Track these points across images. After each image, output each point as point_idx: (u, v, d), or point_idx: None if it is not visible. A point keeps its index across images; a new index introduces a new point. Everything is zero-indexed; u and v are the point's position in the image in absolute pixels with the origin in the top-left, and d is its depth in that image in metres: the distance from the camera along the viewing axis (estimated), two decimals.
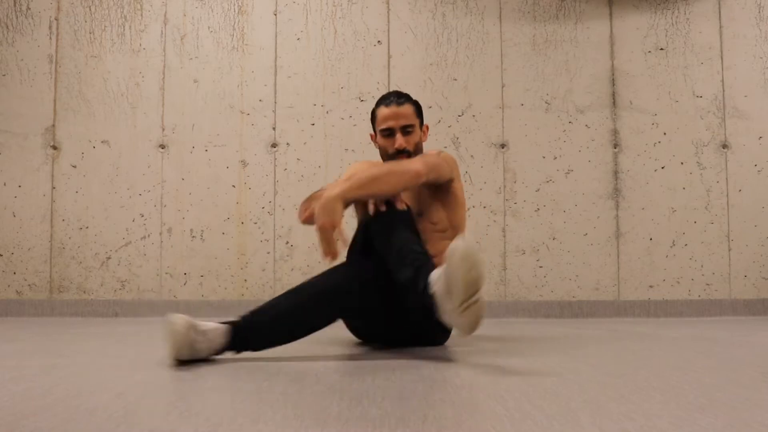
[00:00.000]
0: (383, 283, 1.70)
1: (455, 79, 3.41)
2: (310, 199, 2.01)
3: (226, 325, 1.61)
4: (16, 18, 3.38)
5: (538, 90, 3.43)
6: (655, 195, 3.40)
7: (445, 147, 3.35)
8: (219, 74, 3.39)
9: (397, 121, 1.98)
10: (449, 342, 2.01)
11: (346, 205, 1.68)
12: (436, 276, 1.49)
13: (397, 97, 2.02)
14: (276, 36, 3.42)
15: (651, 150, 3.42)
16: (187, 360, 1.54)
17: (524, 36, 3.45)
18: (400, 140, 1.97)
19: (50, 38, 3.38)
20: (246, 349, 1.63)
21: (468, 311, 1.40)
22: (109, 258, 3.31)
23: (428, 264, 1.60)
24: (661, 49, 3.47)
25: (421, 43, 3.42)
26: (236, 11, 3.42)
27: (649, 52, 3.47)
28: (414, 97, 2.12)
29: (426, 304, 1.50)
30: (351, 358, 1.68)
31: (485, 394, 1.18)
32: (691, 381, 1.33)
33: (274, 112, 3.38)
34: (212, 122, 3.37)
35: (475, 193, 3.34)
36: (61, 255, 3.30)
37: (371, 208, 1.73)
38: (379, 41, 3.42)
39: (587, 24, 3.46)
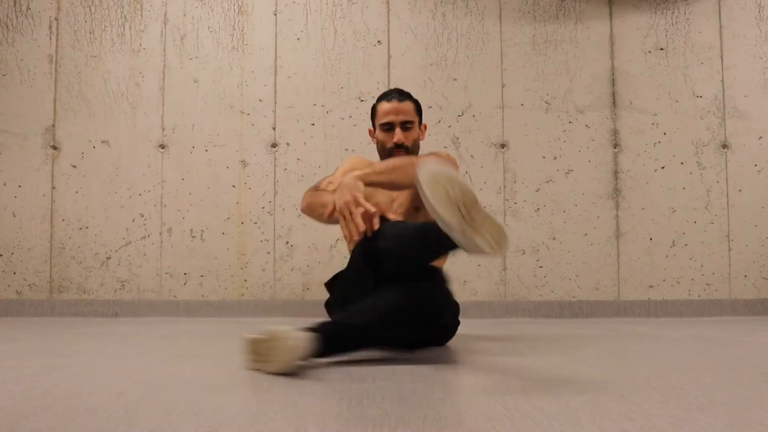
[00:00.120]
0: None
1: (455, 79, 3.41)
2: (315, 189, 1.99)
3: (310, 332, 1.48)
4: (16, 18, 3.38)
5: (538, 90, 3.43)
6: (655, 195, 3.40)
7: (445, 147, 3.35)
8: (219, 74, 3.39)
9: (398, 116, 2.03)
10: (449, 342, 2.01)
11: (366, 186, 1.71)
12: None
13: (398, 94, 2.07)
14: (276, 36, 3.42)
15: (651, 150, 3.42)
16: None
17: (524, 36, 3.45)
18: (399, 135, 2.02)
19: (50, 38, 3.38)
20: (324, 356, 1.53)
21: (478, 227, 1.37)
22: (109, 258, 3.31)
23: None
24: (661, 49, 3.47)
25: (421, 43, 3.42)
26: (236, 11, 3.42)
27: (649, 52, 3.47)
28: (414, 96, 2.15)
29: (447, 249, 1.50)
30: (351, 358, 1.68)
31: (485, 394, 1.18)
32: (691, 381, 1.33)
33: (274, 112, 3.38)
34: (212, 122, 3.37)
35: (475, 193, 3.33)
36: (61, 255, 3.30)
37: (361, 230, 1.65)
38: (379, 41, 3.42)
39: (587, 24, 3.46)
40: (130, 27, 3.40)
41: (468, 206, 1.36)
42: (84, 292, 3.29)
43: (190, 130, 3.36)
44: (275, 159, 3.36)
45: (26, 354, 1.79)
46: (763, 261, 3.40)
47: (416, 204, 1.98)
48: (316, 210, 1.89)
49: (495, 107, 3.40)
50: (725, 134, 3.43)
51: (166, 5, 3.41)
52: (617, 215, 3.38)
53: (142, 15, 3.40)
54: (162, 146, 3.36)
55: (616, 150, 3.42)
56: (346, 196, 1.65)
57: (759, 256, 3.40)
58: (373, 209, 1.66)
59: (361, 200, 1.65)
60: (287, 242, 3.31)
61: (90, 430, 0.91)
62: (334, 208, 1.71)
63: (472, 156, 3.37)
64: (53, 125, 3.35)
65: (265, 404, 1.08)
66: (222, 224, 3.33)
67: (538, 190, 3.38)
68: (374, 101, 2.18)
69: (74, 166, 3.34)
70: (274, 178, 3.35)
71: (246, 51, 3.40)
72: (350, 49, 3.41)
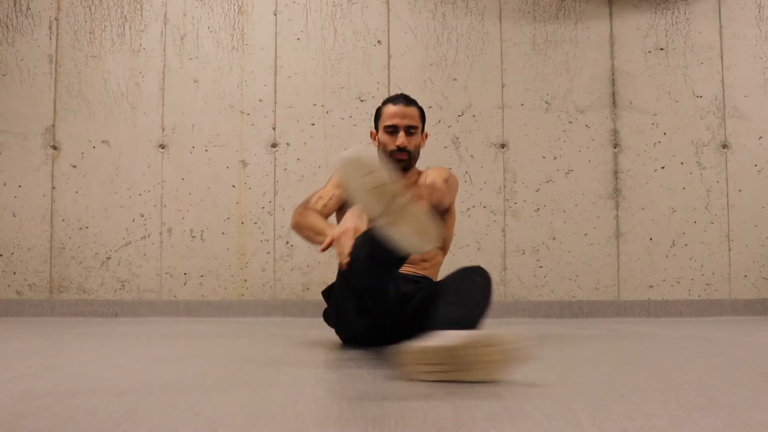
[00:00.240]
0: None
1: (455, 79, 3.41)
2: (304, 206, 1.99)
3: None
4: (16, 18, 3.38)
5: (538, 90, 3.42)
6: (655, 195, 3.40)
7: (445, 147, 3.35)
8: (219, 74, 3.39)
9: (403, 120, 2.06)
10: None
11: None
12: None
13: (405, 99, 2.10)
14: (276, 36, 3.42)
15: (651, 150, 3.42)
16: None
17: (524, 36, 3.45)
18: (402, 138, 2.05)
19: (50, 38, 3.38)
20: None
21: (400, 217, 1.31)
22: (109, 258, 3.31)
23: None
24: (661, 49, 3.47)
25: (421, 43, 3.42)
26: (236, 11, 3.42)
27: (649, 52, 3.46)
28: (414, 97, 2.18)
29: (397, 261, 1.49)
30: (351, 358, 1.68)
31: (485, 394, 1.18)
32: (691, 381, 1.33)
33: (274, 112, 3.38)
34: (212, 122, 3.37)
35: (475, 193, 3.34)
36: (61, 255, 3.30)
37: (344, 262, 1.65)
38: (379, 41, 3.42)
39: (587, 24, 3.46)
40: (130, 27, 3.40)
41: (390, 195, 1.30)
42: (84, 292, 3.29)
43: (190, 130, 3.36)
44: (275, 159, 3.36)
45: (26, 354, 1.79)
46: (763, 261, 3.40)
47: None
48: (303, 231, 1.90)
49: (495, 107, 3.40)
50: (725, 134, 3.43)
51: (166, 5, 3.41)
52: (617, 215, 3.38)
53: (142, 15, 3.40)
54: (162, 146, 3.36)
55: (616, 150, 3.42)
56: (347, 223, 1.64)
57: (759, 256, 3.40)
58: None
59: (361, 230, 1.63)
60: (287, 242, 3.31)
61: (90, 430, 0.91)
62: (331, 242, 1.69)
63: (472, 156, 3.37)
64: (53, 125, 3.35)
65: (265, 404, 1.08)
66: (222, 224, 3.33)
67: (538, 190, 3.38)
68: (376, 102, 2.20)
69: (74, 166, 3.34)
70: (274, 178, 3.35)
71: (246, 51, 3.40)
72: (350, 49, 3.41)
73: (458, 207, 3.33)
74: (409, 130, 2.06)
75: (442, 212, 2.02)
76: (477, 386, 1.28)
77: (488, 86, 3.41)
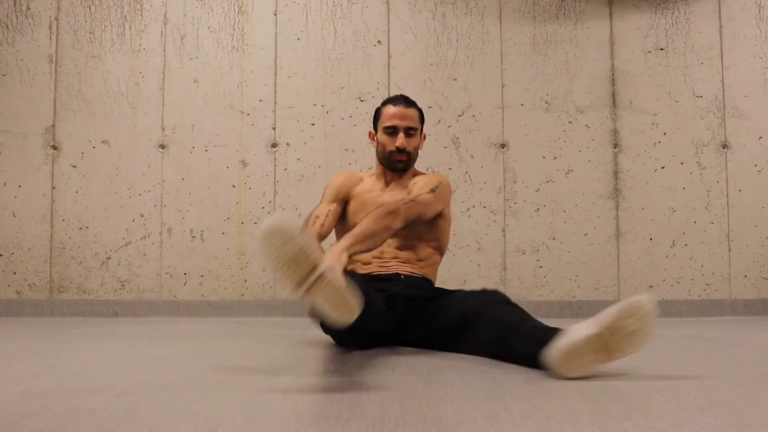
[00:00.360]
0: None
1: (455, 79, 3.41)
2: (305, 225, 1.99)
3: None
4: (16, 18, 3.38)
5: (538, 90, 3.42)
6: (655, 195, 3.40)
7: (445, 147, 3.35)
8: (219, 74, 3.39)
9: (402, 121, 2.06)
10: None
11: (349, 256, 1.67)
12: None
13: (405, 100, 2.11)
14: (276, 36, 3.42)
15: (651, 150, 3.42)
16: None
17: (524, 36, 3.45)
18: (401, 139, 2.06)
19: (50, 38, 3.38)
20: None
21: (316, 288, 1.26)
22: (109, 258, 3.31)
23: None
24: (661, 49, 3.47)
25: (421, 43, 3.42)
26: (236, 11, 3.42)
27: (649, 52, 3.46)
28: (414, 97, 2.19)
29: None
30: (350, 359, 1.68)
31: (486, 394, 1.18)
32: (691, 381, 1.33)
33: (274, 112, 3.38)
34: (212, 122, 3.37)
35: (475, 193, 3.34)
36: (61, 255, 3.30)
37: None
38: (379, 41, 3.42)
39: (587, 24, 3.46)
40: (130, 27, 3.40)
41: (307, 266, 1.25)
42: (84, 292, 3.29)
43: (190, 130, 3.36)
44: (275, 159, 3.36)
45: (26, 354, 1.79)
46: (763, 261, 3.40)
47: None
48: None
49: (495, 107, 3.40)
50: (725, 134, 3.43)
51: (166, 5, 3.41)
52: (617, 215, 3.38)
53: (142, 15, 3.40)
54: (162, 146, 3.36)
55: (616, 150, 3.42)
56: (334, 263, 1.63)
57: (759, 256, 3.40)
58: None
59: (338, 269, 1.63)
60: None
61: (90, 430, 0.91)
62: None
63: (472, 156, 3.37)
64: (53, 125, 3.35)
65: (265, 404, 1.08)
66: (222, 224, 3.33)
67: (538, 190, 3.38)
68: (376, 102, 2.21)
69: (74, 166, 3.34)
70: (274, 178, 3.35)
71: (246, 51, 3.40)
72: (350, 49, 3.41)
73: (458, 207, 3.34)
74: (409, 132, 2.07)
75: (434, 218, 2.02)
76: (476, 386, 1.28)
77: (488, 86, 3.41)
